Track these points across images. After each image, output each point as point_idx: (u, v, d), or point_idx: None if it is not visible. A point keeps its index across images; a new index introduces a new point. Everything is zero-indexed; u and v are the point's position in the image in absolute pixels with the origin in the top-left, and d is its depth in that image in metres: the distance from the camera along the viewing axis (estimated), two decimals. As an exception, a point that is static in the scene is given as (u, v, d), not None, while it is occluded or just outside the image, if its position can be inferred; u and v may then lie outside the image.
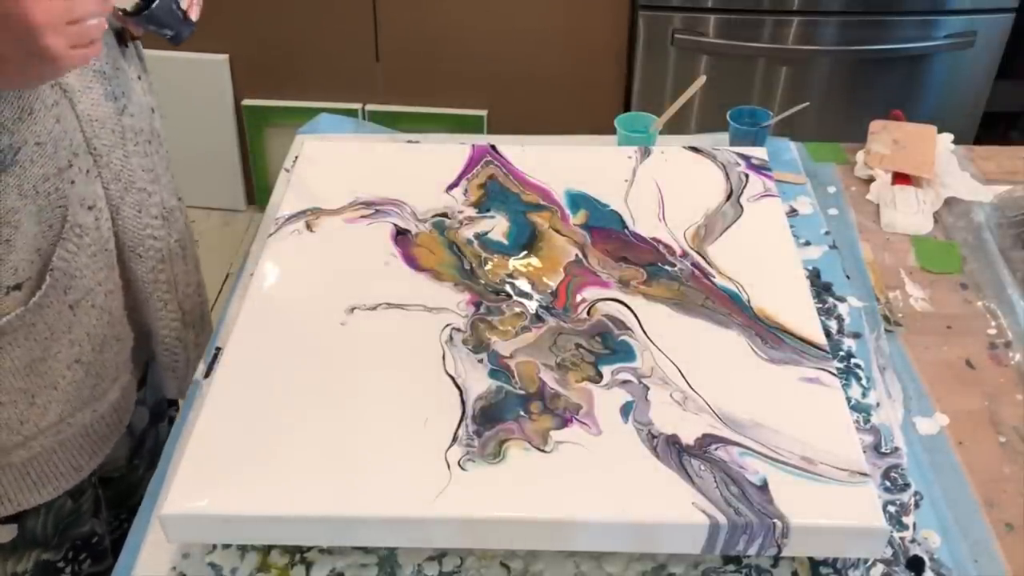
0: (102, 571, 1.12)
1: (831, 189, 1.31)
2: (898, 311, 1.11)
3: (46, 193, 0.89)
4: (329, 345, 0.92)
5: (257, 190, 2.57)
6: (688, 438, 0.82)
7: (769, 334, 0.93)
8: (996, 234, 1.20)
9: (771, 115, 1.33)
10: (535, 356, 0.91)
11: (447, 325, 0.94)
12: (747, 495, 0.77)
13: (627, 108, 2.27)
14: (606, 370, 0.89)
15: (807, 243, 1.19)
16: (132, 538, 0.86)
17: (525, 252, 1.05)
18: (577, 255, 1.04)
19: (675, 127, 1.42)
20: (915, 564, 0.84)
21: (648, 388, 0.87)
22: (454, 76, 2.32)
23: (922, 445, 0.95)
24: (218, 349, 1.02)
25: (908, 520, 0.87)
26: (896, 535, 0.86)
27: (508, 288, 0.99)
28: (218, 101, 2.40)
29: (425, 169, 1.17)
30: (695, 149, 1.21)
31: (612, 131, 1.33)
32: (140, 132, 1.00)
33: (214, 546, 0.84)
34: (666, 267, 1.02)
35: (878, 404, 0.98)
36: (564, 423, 0.84)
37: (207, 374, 1.01)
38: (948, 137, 1.37)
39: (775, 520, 0.76)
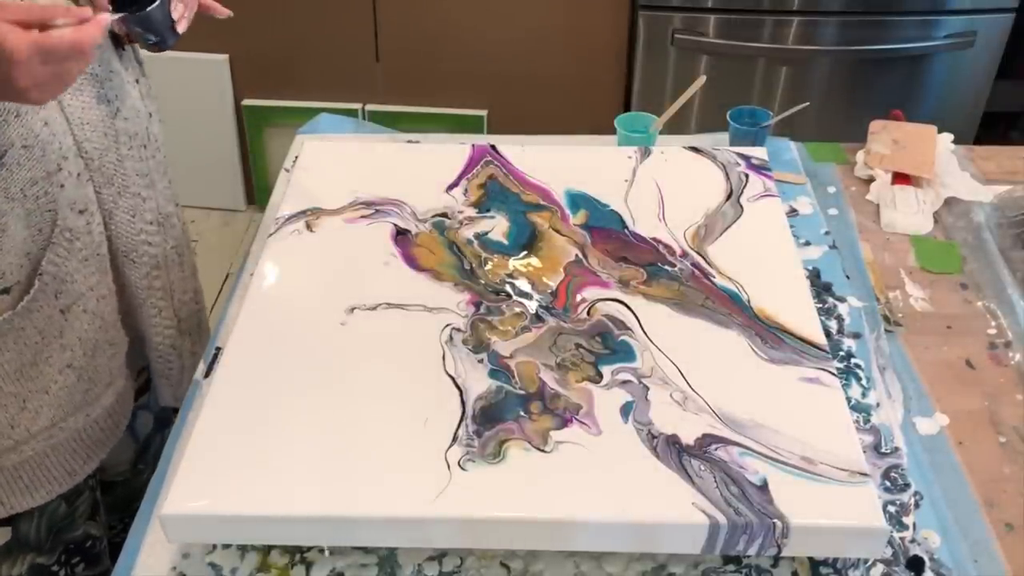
0: (97, 575, 1.12)
1: (831, 189, 1.31)
2: (898, 311, 1.11)
3: (34, 196, 0.89)
4: (329, 345, 0.92)
5: (257, 190, 2.57)
6: (688, 438, 0.82)
7: (769, 334, 0.93)
8: (996, 234, 1.20)
9: (771, 115, 1.33)
10: (535, 356, 0.91)
11: (447, 325, 0.94)
12: (747, 495, 0.77)
13: (627, 108, 2.27)
14: (606, 370, 0.89)
15: (807, 243, 1.19)
16: (132, 539, 0.86)
17: (525, 252, 1.05)
18: (577, 255, 1.04)
19: (675, 127, 1.42)
20: (915, 564, 0.84)
21: (648, 388, 0.87)
22: (454, 76, 2.32)
23: (922, 445, 0.95)
24: (218, 349, 1.02)
25: (908, 520, 0.87)
26: (896, 535, 0.86)
27: (508, 288, 0.99)
28: (218, 101, 2.40)
29: (425, 169, 1.17)
30: (695, 149, 1.21)
31: (612, 131, 1.33)
32: (135, 136, 0.99)
33: (214, 546, 0.84)
34: (666, 267, 1.02)
35: (878, 404, 0.97)
36: (564, 423, 0.84)
37: (207, 374, 1.01)
38: (948, 137, 1.37)
39: (775, 520, 0.76)
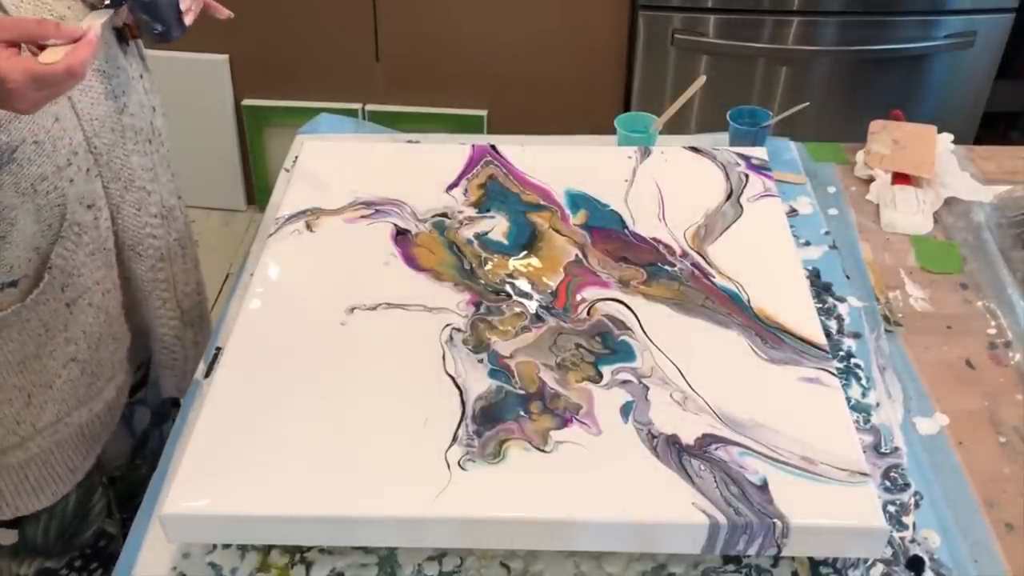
0: None
1: (831, 189, 1.31)
2: (898, 311, 1.11)
3: (44, 192, 0.89)
4: (329, 345, 0.92)
5: (257, 190, 2.56)
6: (688, 438, 0.82)
7: (769, 334, 0.93)
8: (996, 234, 1.20)
9: (771, 115, 1.33)
10: (535, 356, 0.91)
11: (447, 325, 0.94)
12: (747, 495, 0.77)
13: (627, 108, 2.27)
14: (606, 370, 0.89)
15: (807, 243, 1.19)
16: (132, 538, 0.86)
17: (525, 252, 1.05)
18: (577, 255, 1.04)
19: (675, 127, 1.42)
20: (915, 564, 0.84)
21: (648, 388, 0.87)
22: (454, 76, 2.32)
23: (922, 445, 0.95)
24: (218, 349, 1.02)
25: (908, 520, 0.87)
26: (896, 535, 0.86)
27: (508, 288, 0.99)
28: (218, 101, 2.40)
29: (425, 169, 1.17)
30: (695, 149, 1.21)
31: (612, 131, 1.33)
32: (140, 131, 1.00)
33: (214, 546, 0.84)
34: (666, 267, 1.02)
35: (878, 404, 0.97)
36: (564, 423, 0.84)
37: (207, 374, 1.01)
38: (948, 137, 1.37)
39: (775, 520, 0.76)
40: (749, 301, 0.97)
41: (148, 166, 1.02)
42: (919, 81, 2.21)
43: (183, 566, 0.83)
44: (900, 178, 1.30)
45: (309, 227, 1.07)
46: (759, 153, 1.20)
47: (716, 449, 0.81)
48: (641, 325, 0.94)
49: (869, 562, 0.83)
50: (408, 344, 0.92)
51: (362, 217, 1.09)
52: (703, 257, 1.03)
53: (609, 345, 0.92)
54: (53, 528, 1.04)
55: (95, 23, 0.82)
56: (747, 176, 1.15)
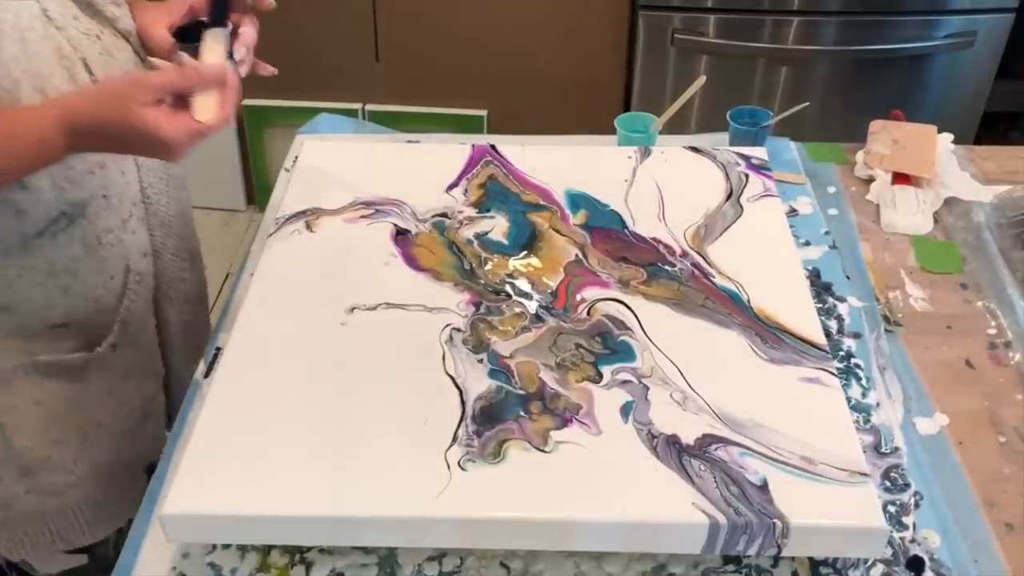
0: None
1: (831, 189, 1.31)
2: (898, 311, 1.11)
3: (108, 244, 0.93)
4: (329, 345, 0.92)
5: (257, 190, 2.56)
6: (688, 438, 0.82)
7: (769, 334, 0.93)
8: (996, 234, 1.20)
9: (771, 115, 1.33)
10: (535, 356, 0.91)
11: (447, 325, 0.94)
12: (747, 495, 0.77)
13: (627, 108, 2.27)
14: (606, 370, 0.89)
15: (807, 243, 1.19)
16: (132, 538, 0.86)
17: (525, 252, 1.05)
18: (577, 255, 1.04)
19: (675, 127, 1.42)
20: (915, 564, 0.84)
21: (648, 388, 0.87)
22: (454, 76, 2.32)
23: (922, 445, 0.95)
24: (218, 349, 1.02)
25: (908, 520, 0.87)
26: (896, 535, 0.86)
27: (508, 288, 0.99)
28: (218, 101, 2.40)
29: (425, 169, 1.17)
30: (695, 149, 1.21)
31: (612, 131, 1.33)
32: (178, 177, 1.04)
33: (214, 546, 0.84)
34: (666, 267, 1.02)
35: (878, 404, 0.97)
36: (564, 423, 0.84)
37: (207, 374, 1.01)
38: (948, 137, 1.37)
39: (775, 520, 0.76)
40: (749, 301, 0.97)
41: (183, 212, 1.06)
42: (919, 81, 2.21)
43: (183, 566, 0.83)
44: (900, 178, 1.30)
45: (309, 227, 1.07)
46: (759, 153, 1.20)
47: (716, 449, 0.81)
48: (641, 325, 0.94)
49: (869, 562, 0.83)
50: (408, 344, 0.92)
51: (362, 217, 1.09)
52: (703, 257, 1.03)
53: (609, 345, 0.92)
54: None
55: (222, 59, 0.85)
56: (747, 176, 1.15)
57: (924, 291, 1.14)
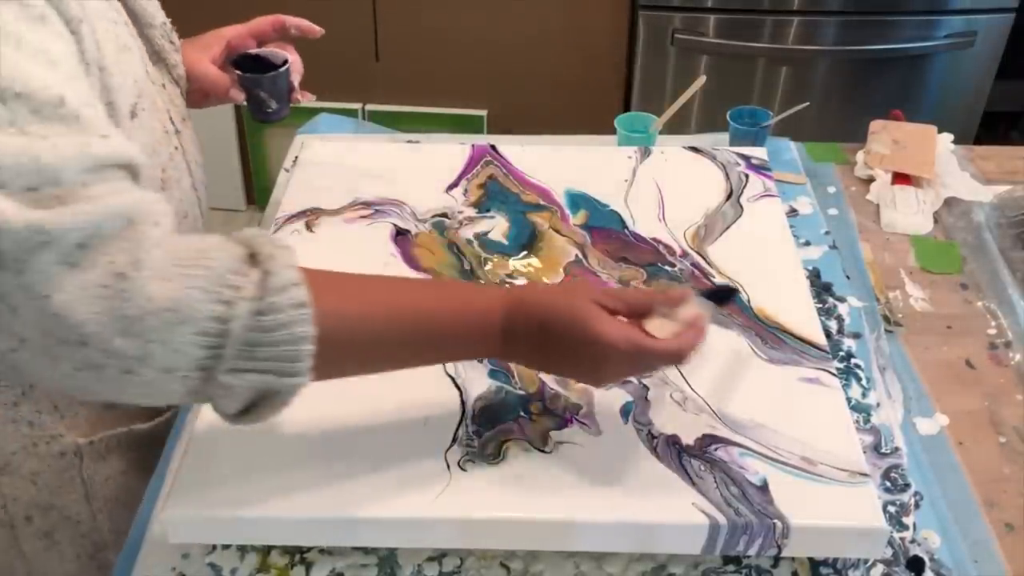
0: None
1: (831, 189, 1.31)
2: (898, 311, 1.11)
3: None
4: (329, 345, 0.92)
5: (257, 190, 2.56)
6: (688, 438, 0.82)
7: (769, 334, 0.93)
8: (996, 234, 1.20)
9: (771, 115, 1.33)
10: (535, 356, 0.91)
11: (447, 325, 0.94)
12: (747, 495, 0.77)
13: (627, 108, 2.27)
14: (606, 370, 0.89)
15: (807, 243, 1.19)
16: (132, 538, 0.86)
17: (525, 252, 1.05)
18: (577, 255, 1.04)
19: (675, 127, 1.42)
20: (915, 564, 0.84)
21: (648, 388, 0.87)
22: (454, 76, 2.32)
23: (922, 445, 0.95)
24: (218, 349, 1.02)
25: (908, 520, 0.87)
26: (896, 535, 0.86)
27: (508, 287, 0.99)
28: (218, 101, 2.40)
29: (425, 169, 1.17)
30: (695, 149, 1.21)
31: (612, 131, 1.33)
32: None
33: (214, 546, 0.83)
34: (666, 267, 1.02)
35: (878, 404, 0.97)
36: (564, 423, 0.84)
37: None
38: (948, 137, 1.37)
39: (775, 520, 0.76)
40: (749, 301, 0.97)
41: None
42: (919, 81, 2.21)
43: (183, 566, 0.83)
44: (900, 178, 1.30)
45: (309, 227, 1.07)
46: (759, 153, 1.20)
47: (716, 449, 0.81)
48: (641, 325, 0.94)
49: (869, 562, 0.83)
50: (408, 344, 0.92)
51: (362, 217, 1.09)
52: (703, 257, 1.03)
53: (609, 345, 0.92)
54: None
55: (705, 312, 0.76)
56: (747, 176, 1.15)
57: (924, 291, 1.14)
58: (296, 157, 1.27)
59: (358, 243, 1.05)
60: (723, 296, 0.76)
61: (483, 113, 2.36)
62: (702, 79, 1.30)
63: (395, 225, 1.07)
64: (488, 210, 1.11)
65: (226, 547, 0.83)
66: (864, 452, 0.82)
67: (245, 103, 1.05)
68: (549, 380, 0.88)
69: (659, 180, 1.15)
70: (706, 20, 2.11)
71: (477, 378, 0.88)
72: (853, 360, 1.02)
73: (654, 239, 1.06)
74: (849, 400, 0.96)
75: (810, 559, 0.83)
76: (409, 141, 1.36)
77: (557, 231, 1.08)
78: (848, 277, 1.14)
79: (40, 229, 0.56)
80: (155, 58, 0.90)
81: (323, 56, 2.31)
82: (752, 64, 2.17)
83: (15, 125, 0.57)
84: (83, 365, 0.59)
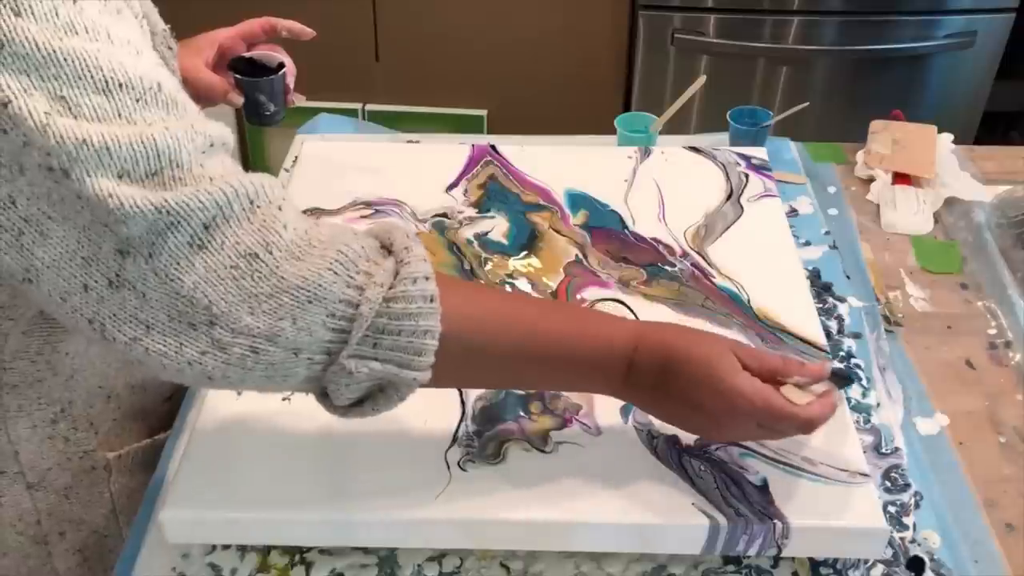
0: None
1: (831, 189, 1.31)
2: (898, 311, 1.11)
3: None
4: (329, 345, 0.92)
5: (257, 190, 2.56)
6: (688, 438, 0.82)
7: (769, 334, 0.93)
8: (996, 234, 1.20)
9: (771, 115, 1.33)
10: (535, 356, 0.91)
11: (447, 325, 0.94)
12: (747, 495, 0.77)
13: (627, 108, 2.27)
14: (606, 370, 0.89)
15: (807, 243, 1.18)
16: (132, 539, 0.86)
17: (525, 252, 1.05)
18: (577, 255, 1.04)
19: (675, 127, 1.42)
20: (915, 564, 0.84)
21: (648, 388, 0.87)
22: (454, 76, 2.32)
23: (922, 445, 0.95)
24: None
25: (908, 520, 0.87)
26: (896, 535, 0.86)
27: (508, 288, 0.99)
28: (218, 101, 2.40)
29: (425, 169, 1.17)
30: (695, 149, 1.21)
31: (612, 131, 1.33)
32: None
33: (214, 547, 0.83)
34: (666, 267, 1.02)
35: (878, 404, 0.97)
36: (564, 423, 0.84)
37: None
38: (948, 137, 1.37)
39: (775, 520, 0.75)
40: (749, 301, 0.97)
41: None
42: (919, 81, 2.21)
43: (183, 566, 0.83)
44: (900, 178, 1.30)
45: (309, 227, 1.07)
46: (759, 153, 1.20)
47: (716, 450, 0.81)
48: (641, 325, 0.94)
49: (869, 563, 0.83)
50: (408, 344, 0.92)
51: (362, 217, 1.09)
52: (703, 257, 1.03)
53: (609, 345, 0.92)
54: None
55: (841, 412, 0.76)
56: (747, 176, 1.15)
57: (924, 291, 1.14)
58: (296, 157, 1.27)
59: (358, 243, 1.05)
60: (841, 379, 0.76)
61: (483, 113, 2.36)
62: (702, 79, 1.30)
63: (395, 225, 1.07)
64: (488, 210, 1.10)
65: (226, 547, 0.83)
66: (864, 452, 0.82)
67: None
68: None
69: (659, 180, 1.15)
70: (706, 20, 2.11)
71: (477, 378, 0.88)
72: (853, 360, 1.02)
73: (654, 239, 1.06)
74: (849, 400, 0.96)
75: (810, 559, 0.83)
76: (409, 141, 1.36)
77: (557, 231, 1.08)
78: (848, 277, 1.14)
79: (168, 209, 0.57)
80: None
81: (323, 56, 2.31)
82: (752, 64, 2.17)
83: (122, 115, 0.57)
84: (209, 347, 0.59)
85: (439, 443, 0.82)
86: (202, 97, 1.02)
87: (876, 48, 2.13)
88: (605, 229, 1.08)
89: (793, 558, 0.82)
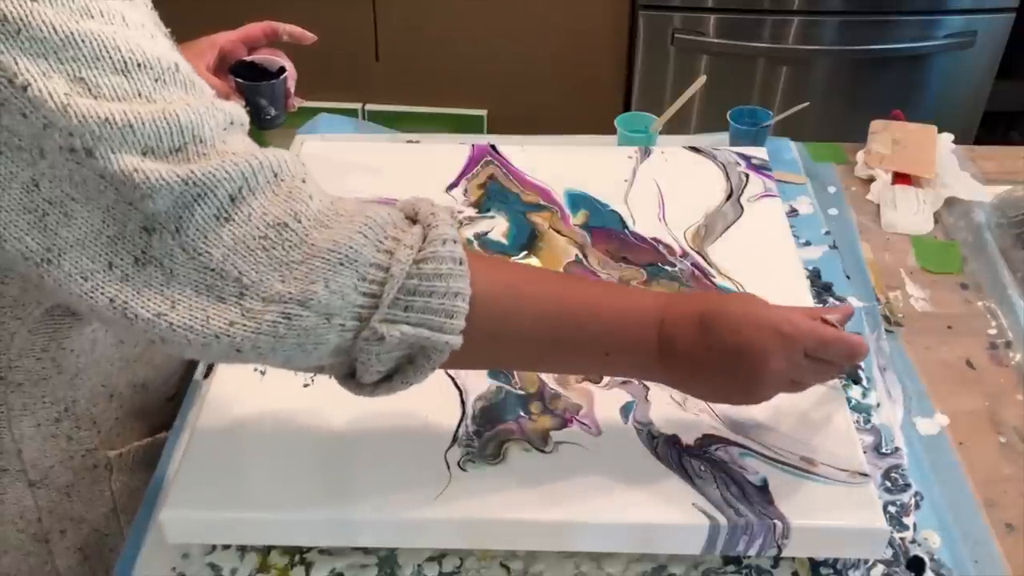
0: None
1: (831, 189, 1.31)
2: (898, 311, 1.11)
3: None
4: (329, 345, 0.92)
5: (257, 190, 2.56)
6: (688, 438, 0.82)
7: (769, 334, 0.93)
8: (996, 234, 1.20)
9: (771, 115, 1.33)
10: (535, 356, 0.91)
11: (447, 325, 0.94)
12: (747, 495, 0.77)
13: (627, 108, 2.27)
14: (606, 370, 0.89)
15: (807, 243, 1.18)
16: (132, 539, 0.86)
17: (525, 252, 1.05)
18: (577, 255, 1.04)
19: (675, 127, 1.42)
20: (915, 565, 0.84)
21: (648, 388, 0.87)
22: (454, 76, 2.32)
23: (922, 445, 0.95)
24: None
25: (908, 520, 0.87)
26: (896, 535, 0.86)
27: (508, 288, 0.99)
28: (218, 101, 2.40)
29: (425, 169, 1.17)
30: (695, 149, 1.21)
31: (612, 131, 1.33)
32: None
33: (214, 547, 0.83)
34: (666, 267, 1.02)
35: (878, 404, 0.97)
36: (564, 423, 0.84)
37: (206, 374, 1.00)
38: (948, 137, 1.37)
39: (775, 520, 0.75)
40: (749, 301, 0.97)
41: None
42: (919, 81, 2.21)
43: (183, 567, 0.83)
44: (900, 178, 1.30)
45: (309, 227, 1.07)
46: (759, 153, 1.20)
47: (716, 450, 0.81)
48: (641, 325, 0.94)
49: (869, 563, 0.83)
50: (408, 344, 0.92)
51: (362, 217, 1.09)
52: (703, 257, 1.03)
53: (609, 345, 0.92)
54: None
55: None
56: (747, 176, 1.15)
57: (924, 291, 1.14)
58: (296, 157, 1.27)
59: (358, 243, 1.05)
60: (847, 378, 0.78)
61: (483, 113, 2.36)
62: (702, 79, 1.30)
63: (395, 225, 1.07)
64: (488, 210, 1.10)
65: (226, 547, 0.83)
66: (864, 452, 0.82)
67: None
68: (549, 380, 0.88)
69: (659, 180, 1.15)
70: (706, 20, 2.11)
71: (477, 378, 0.88)
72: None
73: (654, 239, 1.06)
74: (849, 400, 0.96)
75: (810, 559, 0.83)
76: (409, 141, 1.36)
77: (557, 231, 1.08)
78: (848, 277, 1.14)
79: (195, 180, 0.57)
80: None
81: (323, 56, 2.30)
82: (752, 64, 2.17)
83: (142, 95, 0.58)
84: (239, 317, 0.59)
85: (439, 443, 0.82)
86: None
87: (876, 48, 2.13)
88: (605, 229, 1.08)
89: (793, 558, 0.82)
